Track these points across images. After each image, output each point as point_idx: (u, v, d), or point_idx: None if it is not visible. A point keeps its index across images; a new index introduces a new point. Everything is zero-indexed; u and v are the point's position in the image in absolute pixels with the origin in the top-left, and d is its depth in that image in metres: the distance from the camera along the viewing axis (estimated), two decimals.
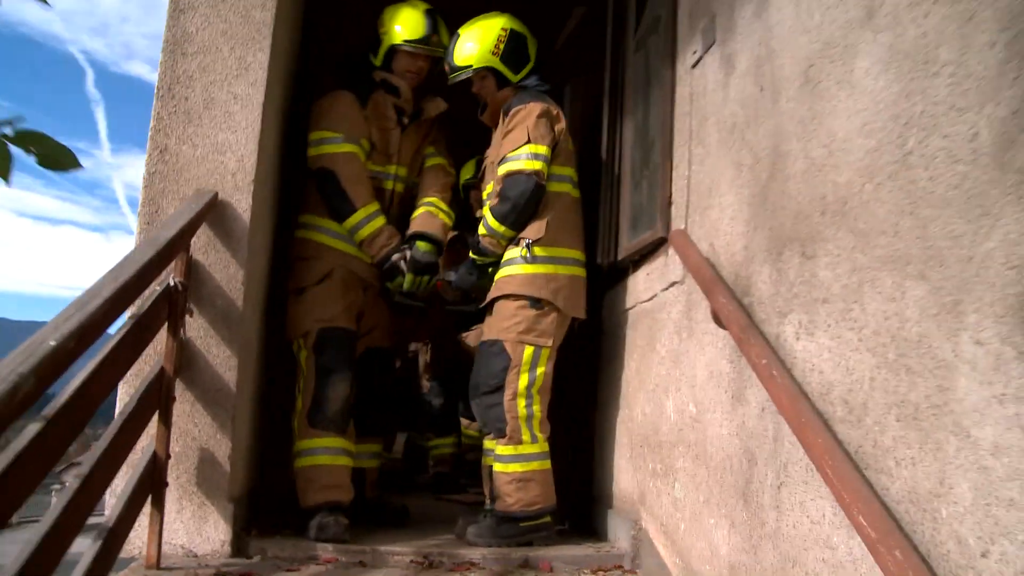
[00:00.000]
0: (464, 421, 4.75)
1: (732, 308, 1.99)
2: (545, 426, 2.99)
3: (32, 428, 1.62)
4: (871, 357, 1.51)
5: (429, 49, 3.31)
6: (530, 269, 2.99)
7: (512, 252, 3.06)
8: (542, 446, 2.95)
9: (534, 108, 3.06)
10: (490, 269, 3.15)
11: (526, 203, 2.98)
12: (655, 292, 2.82)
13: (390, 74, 3.30)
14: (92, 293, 1.86)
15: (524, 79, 3.25)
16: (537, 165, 2.97)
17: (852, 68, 1.70)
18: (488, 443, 3.08)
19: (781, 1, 2.08)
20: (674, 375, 2.59)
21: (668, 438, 2.59)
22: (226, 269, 2.72)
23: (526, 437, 2.91)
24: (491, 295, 3.09)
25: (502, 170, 3.03)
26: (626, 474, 3.03)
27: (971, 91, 1.32)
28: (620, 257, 3.16)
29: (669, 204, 2.75)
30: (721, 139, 2.40)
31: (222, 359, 2.67)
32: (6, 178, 1.10)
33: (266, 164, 2.92)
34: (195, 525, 2.57)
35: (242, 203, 2.73)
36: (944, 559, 1.25)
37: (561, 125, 3.12)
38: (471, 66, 3.23)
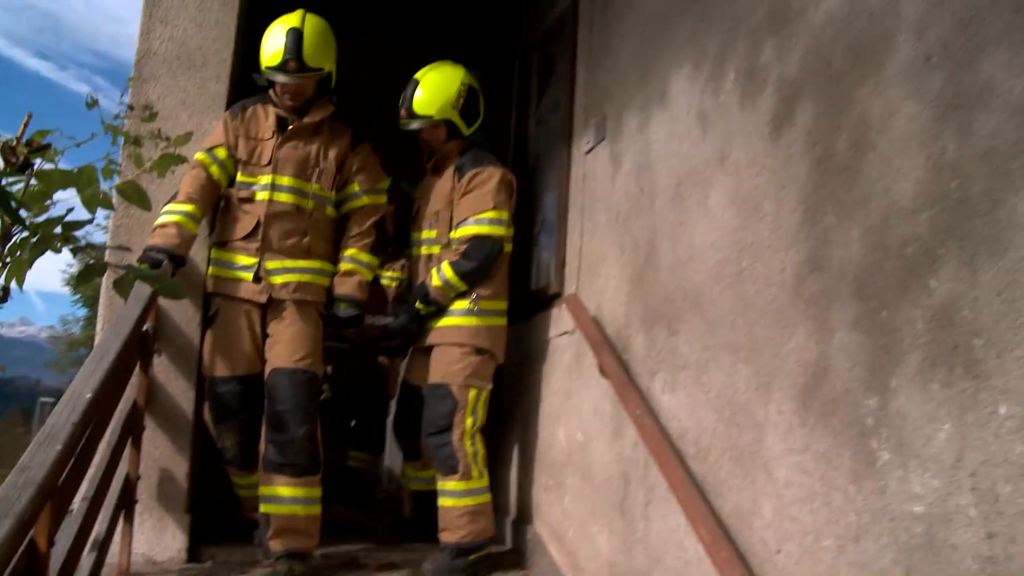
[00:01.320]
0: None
1: (615, 366, 2.59)
2: (487, 461, 3.25)
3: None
4: (714, 413, 2.13)
5: (285, 76, 3.12)
6: (476, 321, 3.23)
7: (459, 303, 3.25)
8: (487, 480, 3.21)
9: (494, 174, 3.29)
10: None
11: (489, 266, 3.24)
12: (550, 337, 3.40)
13: (272, 90, 3.22)
14: (103, 350, 2.27)
15: (473, 133, 3.43)
16: (500, 231, 3.25)
17: (708, 196, 2.32)
18: (412, 471, 3.54)
19: (658, 124, 2.70)
20: (565, 407, 3.17)
21: (559, 459, 3.18)
22: (184, 312, 3.10)
23: (475, 473, 3.14)
24: (434, 340, 3.27)
25: (465, 232, 3.23)
26: (523, 488, 3.59)
27: (782, 238, 1.95)
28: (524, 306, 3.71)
29: (563, 265, 3.34)
30: (608, 221, 3.00)
31: (181, 390, 3.07)
32: (125, 297, 1.52)
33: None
34: (155, 536, 2.95)
35: (198, 254, 3.12)
36: (755, 554, 1.87)
37: (514, 191, 3.37)
38: (431, 117, 3.32)
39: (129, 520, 2.77)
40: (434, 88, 3.33)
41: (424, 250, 3.41)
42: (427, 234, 3.41)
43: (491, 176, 3.28)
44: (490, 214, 3.24)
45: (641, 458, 2.49)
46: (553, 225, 3.51)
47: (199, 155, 3.12)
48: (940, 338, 1.44)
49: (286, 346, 3.09)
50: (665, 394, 2.41)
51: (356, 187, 3.33)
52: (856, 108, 1.74)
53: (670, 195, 2.55)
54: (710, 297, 2.24)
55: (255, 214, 3.13)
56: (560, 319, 3.31)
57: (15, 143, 1.20)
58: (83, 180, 1.28)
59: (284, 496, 2.99)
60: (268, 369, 3.09)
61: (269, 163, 3.16)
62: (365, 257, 3.34)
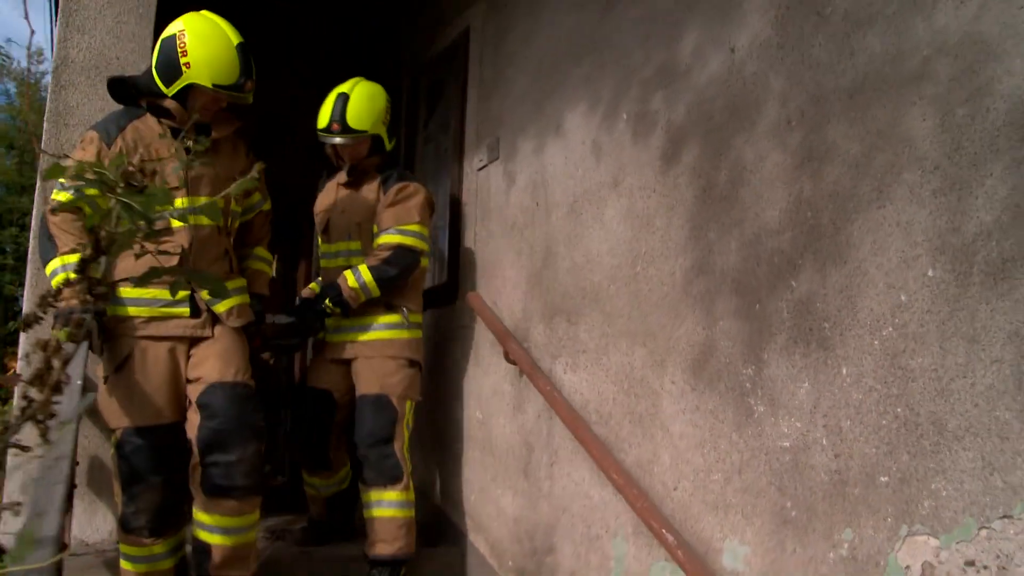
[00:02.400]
0: None
1: (521, 353, 3.07)
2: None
3: None
4: (614, 386, 2.67)
5: (239, 97, 2.89)
6: (407, 334, 3.32)
7: (389, 316, 3.32)
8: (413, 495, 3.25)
9: (420, 190, 3.41)
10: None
11: (407, 277, 3.34)
12: (450, 330, 3.83)
13: (174, 104, 2.85)
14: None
15: (392, 148, 3.55)
16: (422, 246, 3.36)
17: (603, 213, 2.85)
18: (321, 480, 3.42)
19: (554, 150, 3.21)
20: (463, 391, 3.62)
21: (458, 435, 3.62)
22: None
23: (411, 486, 3.20)
24: (360, 353, 3.28)
25: (389, 239, 3.30)
26: (424, 465, 3.97)
27: (672, 248, 2.51)
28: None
29: (458, 267, 3.79)
30: (504, 231, 3.48)
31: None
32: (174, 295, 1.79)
33: None
34: (86, 519, 3.08)
35: None
36: (656, 492, 2.41)
37: (433, 210, 3.52)
38: (365, 131, 3.36)
39: (69, 503, 2.92)
40: (365, 102, 3.38)
41: (343, 261, 3.44)
42: (346, 245, 3.46)
43: (417, 191, 3.41)
44: (414, 227, 3.35)
45: (544, 428, 2.99)
46: (445, 232, 3.94)
47: (63, 196, 2.70)
48: (800, 323, 2.03)
49: (218, 360, 2.81)
50: (567, 373, 2.92)
51: (259, 196, 3.23)
52: (733, 152, 2.32)
53: (566, 210, 3.07)
54: (607, 294, 2.77)
55: (175, 243, 2.81)
56: (456, 315, 3.75)
57: (132, 168, 1.49)
58: (161, 199, 1.60)
59: (230, 526, 2.73)
60: (201, 386, 2.77)
61: (179, 186, 2.80)
62: (268, 255, 3.32)
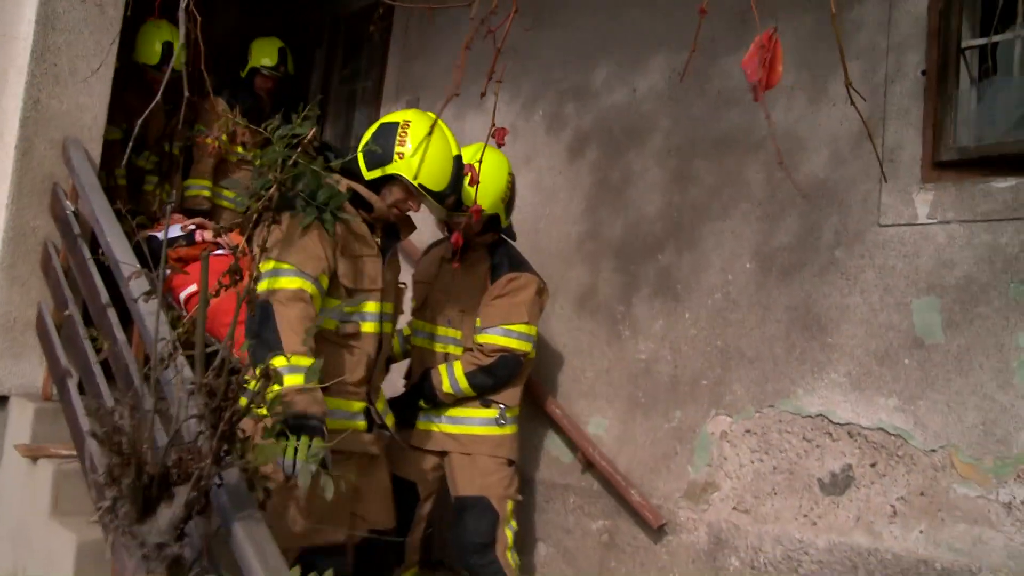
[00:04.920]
0: None
1: None
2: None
3: None
4: None
5: (436, 206, 2.71)
6: (504, 431, 3.06)
7: (484, 412, 3.06)
8: None
9: (531, 281, 3.08)
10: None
11: (506, 384, 3.06)
12: None
13: (374, 196, 2.62)
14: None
15: (508, 226, 3.22)
16: (527, 347, 3.03)
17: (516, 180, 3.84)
18: None
19: (474, 120, 4.10)
20: None
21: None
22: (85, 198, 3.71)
23: None
24: (451, 447, 3.04)
25: (494, 341, 2.98)
26: None
27: (570, 217, 3.57)
28: None
29: None
30: None
31: None
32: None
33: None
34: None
35: (94, 149, 3.73)
36: (591, 432, 3.51)
37: (547, 298, 3.20)
38: (482, 209, 2.87)
39: None
40: (487, 178, 2.98)
41: (439, 347, 3.13)
42: (444, 331, 3.14)
43: (528, 283, 3.08)
44: (521, 327, 3.02)
45: None
46: None
47: (308, 286, 2.45)
48: (661, 282, 3.19)
49: (383, 503, 2.74)
50: None
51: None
52: (625, 161, 3.41)
53: None
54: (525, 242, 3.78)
55: (364, 351, 2.62)
56: None
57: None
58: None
59: None
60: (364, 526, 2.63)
61: (377, 288, 2.65)
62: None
